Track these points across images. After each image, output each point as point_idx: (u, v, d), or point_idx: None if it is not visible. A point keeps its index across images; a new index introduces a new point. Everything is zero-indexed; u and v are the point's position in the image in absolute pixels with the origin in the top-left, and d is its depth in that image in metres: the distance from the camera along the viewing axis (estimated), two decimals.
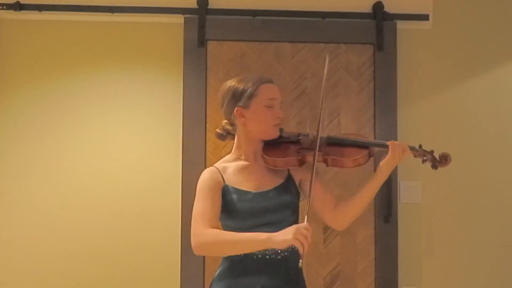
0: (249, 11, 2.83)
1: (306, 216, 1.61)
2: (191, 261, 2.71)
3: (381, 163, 1.82)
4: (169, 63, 2.83)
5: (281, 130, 1.87)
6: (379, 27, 2.83)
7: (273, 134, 1.85)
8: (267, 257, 1.76)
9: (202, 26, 2.81)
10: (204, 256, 2.73)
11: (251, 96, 1.81)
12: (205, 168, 2.65)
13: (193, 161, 2.76)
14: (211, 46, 2.85)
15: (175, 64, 2.82)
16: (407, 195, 2.83)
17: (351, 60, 2.88)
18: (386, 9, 2.85)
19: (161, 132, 2.82)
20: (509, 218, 2.87)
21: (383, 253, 2.79)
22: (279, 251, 1.77)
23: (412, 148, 1.89)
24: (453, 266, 2.84)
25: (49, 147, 2.79)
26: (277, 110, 1.84)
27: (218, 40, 2.84)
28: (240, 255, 1.76)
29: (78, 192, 2.77)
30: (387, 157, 1.81)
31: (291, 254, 1.80)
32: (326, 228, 2.80)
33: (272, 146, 1.85)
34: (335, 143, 1.87)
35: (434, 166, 1.92)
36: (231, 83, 1.87)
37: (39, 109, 2.80)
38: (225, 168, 1.84)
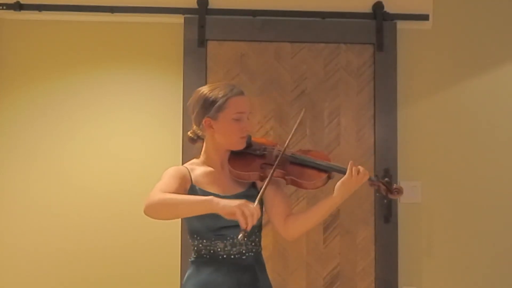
0: (249, 11, 2.83)
1: (256, 201, 1.62)
2: None
3: (336, 184, 1.80)
4: (169, 63, 2.83)
5: (249, 137, 1.90)
6: (379, 27, 2.84)
7: (239, 146, 1.88)
8: (232, 257, 1.80)
9: (202, 26, 2.81)
10: None
11: (219, 109, 1.83)
12: None
13: None
14: (211, 46, 2.84)
15: (175, 64, 2.82)
16: (407, 195, 2.82)
17: (351, 60, 2.88)
18: (386, 9, 2.85)
19: (161, 132, 2.82)
20: (509, 218, 2.87)
21: (383, 253, 2.79)
22: (243, 251, 1.81)
23: (370, 179, 1.86)
24: (453, 266, 2.84)
25: (49, 147, 2.79)
26: (244, 123, 1.86)
27: (218, 40, 2.84)
28: (206, 256, 1.80)
29: (78, 192, 2.78)
30: (344, 177, 1.79)
31: (255, 255, 1.85)
32: (326, 228, 2.80)
33: (238, 156, 1.89)
34: (297, 163, 1.89)
35: (386, 197, 1.92)
36: (202, 91, 1.89)
37: (39, 109, 2.80)
38: (193, 169, 1.88)
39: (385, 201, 1.90)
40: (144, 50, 2.84)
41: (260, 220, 1.87)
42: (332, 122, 2.85)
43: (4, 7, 2.78)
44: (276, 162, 1.81)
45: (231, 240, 1.80)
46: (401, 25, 2.87)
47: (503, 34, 2.93)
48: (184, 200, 1.65)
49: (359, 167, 1.80)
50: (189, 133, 1.96)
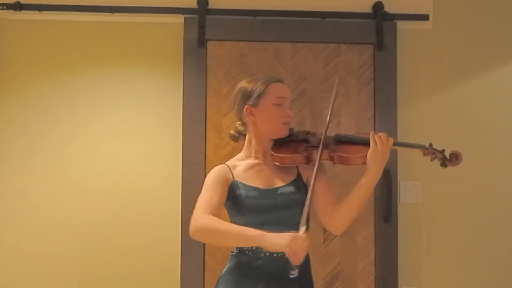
0: (249, 11, 2.83)
1: (303, 227, 1.60)
2: (191, 261, 2.71)
3: (367, 159, 1.79)
4: (169, 63, 2.83)
5: (291, 129, 1.91)
6: (379, 27, 2.83)
7: (282, 133, 1.88)
8: (275, 255, 1.76)
9: (202, 26, 2.81)
10: (204, 256, 2.74)
11: (260, 95, 1.85)
12: (205, 168, 2.70)
13: (193, 161, 2.75)
14: (211, 46, 2.84)
15: (175, 64, 2.82)
16: (407, 195, 2.83)
17: (351, 60, 2.88)
18: (386, 9, 2.85)
19: (161, 132, 2.82)
20: (509, 218, 2.87)
21: (383, 253, 2.79)
22: None
23: (422, 147, 1.88)
24: (453, 266, 2.84)
25: (49, 147, 2.79)
26: (286, 109, 1.87)
27: (218, 40, 2.84)
28: (248, 252, 1.79)
29: (78, 192, 2.77)
30: (370, 149, 1.77)
31: None
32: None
33: (281, 144, 1.88)
34: (342, 141, 1.89)
35: (444, 165, 1.89)
36: (241, 84, 1.92)
37: (39, 109, 2.80)
38: (235, 166, 1.88)
39: (444, 167, 1.89)
40: (144, 50, 2.84)
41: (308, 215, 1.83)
42: (332, 122, 2.85)
43: (4, 7, 2.78)
44: (323, 137, 1.78)
45: None
46: (401, 25, 2.87)
47: (504, 34, 2.93)
48: (232, 231, 1.65)
49: (380, 134, 1.79)
50: (231, 130, 1.98)
